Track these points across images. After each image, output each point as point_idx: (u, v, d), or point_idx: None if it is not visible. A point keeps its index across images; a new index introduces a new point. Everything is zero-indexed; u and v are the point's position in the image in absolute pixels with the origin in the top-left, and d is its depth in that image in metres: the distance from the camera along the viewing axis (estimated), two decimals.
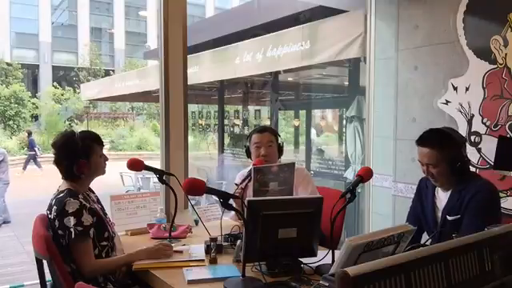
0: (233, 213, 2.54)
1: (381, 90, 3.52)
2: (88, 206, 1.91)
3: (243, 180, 2.41)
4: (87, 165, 1.95)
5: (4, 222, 7.13)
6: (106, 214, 2.11)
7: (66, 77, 27.57)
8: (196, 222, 2.61)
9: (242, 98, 7.92)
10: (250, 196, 2.27)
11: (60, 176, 2.01)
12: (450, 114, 2.93)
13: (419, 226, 2.12)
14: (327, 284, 0.93)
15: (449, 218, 2.01)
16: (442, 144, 1.98)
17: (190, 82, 3.04)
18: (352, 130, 4.48)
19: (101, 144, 2.06)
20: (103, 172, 2.07)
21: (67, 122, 21.76)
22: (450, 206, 2.02)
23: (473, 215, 1.92)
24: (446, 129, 2.08)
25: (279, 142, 2.63)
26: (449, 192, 2.06)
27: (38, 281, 1.96)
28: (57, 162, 1.99)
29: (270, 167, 2.31)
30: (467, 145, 2.73)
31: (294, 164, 2.34)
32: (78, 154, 1.94)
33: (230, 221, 2.55)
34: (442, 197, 2.10)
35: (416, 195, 2.26)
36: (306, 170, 2.78)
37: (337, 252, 1.77)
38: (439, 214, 2.11)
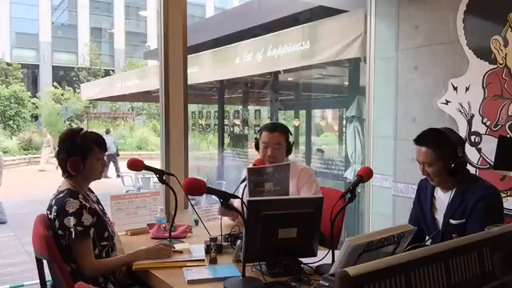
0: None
1: (381, 90, 3.52)
2: (88, 205, 1.91)
3: (242, 181, 2.40)
4: (80, 164, 1.93)
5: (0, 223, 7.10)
6: (105, 214, 2.11)
7: (66, 77, 27.53)
8: (196, 222, 2.60)
9: (242, 98, 7.92)
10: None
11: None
12: (449, 114, 2.93)
13: (420, 228, 2.12)
14: (327, 284, 0.93)
15: (453, 221, 2.00)
16: (438, 143, 1.99)
17: (190, 82, 3.04)
18: (352, 130, 4.48)
19: (102, 148, 2.03)
20: (99, 177, 2.05)
21: (67, 122, 21.71)
22: (453, 210, 2.01)
23: (479, 220, 1.91)
24: (445, 129, 2.08)
25: (290, 140, 2.59)
26: (449, 193, 2.06)
27: (38, 281, 1.96)
28: (56, 155, 2.00)
29: (265, 168, 2.30)
30: (467, 145, 2.75)
31: (288, 165, 2.33)
32: (74, 151, 1.93)
33: (229, 221, 2.55)
34: (442, 197, 2.10)
35: (416, 197, 2.27)
36: (311, 170, 2.72)
37: (337, 252, 1.77)
38: (437, 215, 2.11)
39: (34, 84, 27.97)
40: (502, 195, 2.51)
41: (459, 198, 2.01)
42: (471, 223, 1.94)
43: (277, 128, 2.58)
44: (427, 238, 2.10)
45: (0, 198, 7.28)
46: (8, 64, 24.13)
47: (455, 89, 2.89)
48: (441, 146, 1.98)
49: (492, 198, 1.97)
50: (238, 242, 2.00)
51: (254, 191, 2.22)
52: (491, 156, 2.51)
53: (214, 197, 1.83)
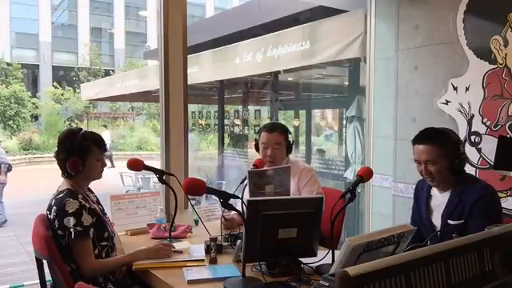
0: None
1: (381, 90, 3.52)
2: (88, 206, 1.91)
3: (242, 181, 2.40)
4: (79, 164, 1.94)
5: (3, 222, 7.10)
6: (105, 214, 2.11)
7: (66, 77, 27.50)
8: (196, 222, 2.60)
9: (242, 98, 7.92)
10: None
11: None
12: (449, 114, 2.93)
13: (420, 229, 2.11)
14: (327, 284, 0.92)
15: (451, 222, 2.00)
16: (441, 141, 1.99)
17: (189, 82, 3.04)
18: (352, 130, 4.48)
19: (101, 147, 2.03)
20: (98, 176, 2.05)
21: (67, 122, 21.70)
22: (451, 210, 2.01)
23: (479, 222, 1.89)
24: (443, 129, 2.08)
25: (289, 139, 2.59)
26: (446, 193, 2.05)
27: (38, 281, 1.96)
28: (55, 156, 1.99)
29: (265, 171, 2.29)
30: (467, 145, 2.75)
31: (289, 168, 2.33)
32: (74, 152, 1.93)
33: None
34: (439, 198, 2.09)
35: (414, 199, 2.27)
36: (313, 170, 2.70)
37: (337, 252, 1.77)
38: (433, 216, 2.10)
39: (34, 84, 27.94)
40: (502, 195, 2.52)
41: (457, 198, 2.00)
42: (472, 225, 1.92)
43: (275, 128, 2.57)
44: (427, 239, 2.10)
45: (4, 198, 7.29)
46: (8, 64, 24.09)
47: (455, 89, 2.89)
48: (444, 143, 1.98)
49: (490, 198, 1.97)
50: (238, 241, 2.00)
51: (254, 193, 2.22)
52: (491, 156, 2.51)
53: (213, 197, 1.83)
